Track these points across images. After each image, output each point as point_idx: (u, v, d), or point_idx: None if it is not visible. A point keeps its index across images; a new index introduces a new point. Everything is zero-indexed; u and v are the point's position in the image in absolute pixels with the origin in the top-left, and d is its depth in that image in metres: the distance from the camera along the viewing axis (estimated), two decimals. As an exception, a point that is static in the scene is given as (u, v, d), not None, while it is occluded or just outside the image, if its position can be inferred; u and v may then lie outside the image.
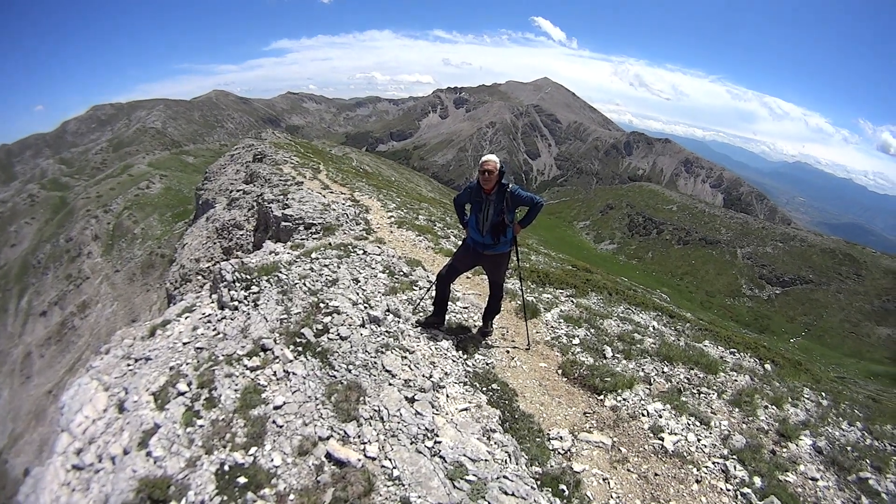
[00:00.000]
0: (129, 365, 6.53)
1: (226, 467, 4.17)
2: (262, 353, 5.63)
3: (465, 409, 5.21)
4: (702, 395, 6.39)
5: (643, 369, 6.86)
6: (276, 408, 4.80)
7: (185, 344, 6.52)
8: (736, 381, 6.92)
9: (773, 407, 6.32)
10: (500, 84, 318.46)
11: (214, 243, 23.08)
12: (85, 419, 5.48)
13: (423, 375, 5.58)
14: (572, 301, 9.46)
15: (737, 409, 6.14)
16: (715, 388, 6.57)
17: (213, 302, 7.75)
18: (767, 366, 8.04)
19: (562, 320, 8.26)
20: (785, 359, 8.74)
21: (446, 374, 5.85)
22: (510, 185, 6.02)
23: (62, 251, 79.61)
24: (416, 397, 5.08)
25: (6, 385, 67.56)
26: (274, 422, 4.62)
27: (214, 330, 6.70)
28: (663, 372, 6.86)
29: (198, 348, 6.21)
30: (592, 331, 7.94)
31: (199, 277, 22.19)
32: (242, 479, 4.01)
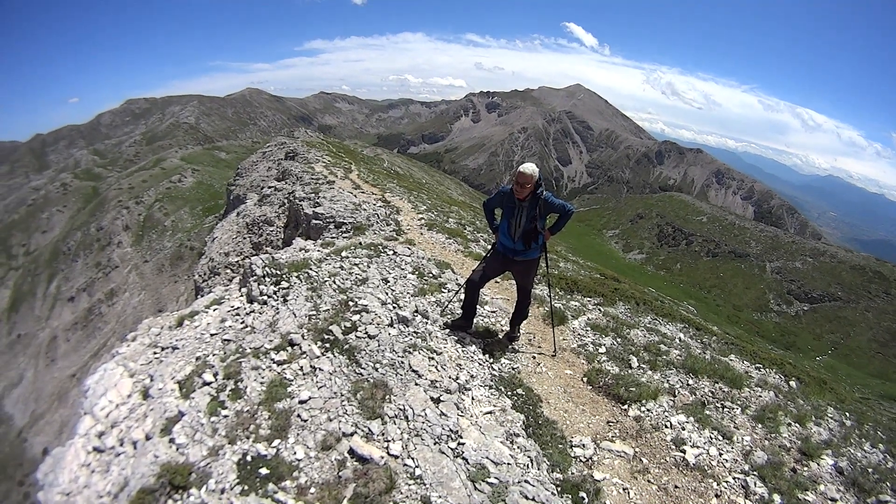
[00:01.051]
0: (155, 353, 6.61)
1: (248, 458, 4.21)
2: (289, 348, 5.67)
3: (490, 413, 5.20)
4: (725, 409, 6.29)
5: (668, 381, 6.77)
6: (301, 402, 4.83)
7: (212, 335, 6.59)
8: (760, 396, 6.80)
9: (797, 425, 6.19)
10: (532, 89, 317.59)
11: (244, 238, 23.29)
12: (108, 403, 5.57)
13: (450, 377, 5.58)
14: (600, 309, 9.37)
15: (760, 425, 6.03)
16: (739, 402, 6.46)
17: (241, 295, 7.82)
18: (792, 383, 7.89)
19: (589, 328, 8.18)
20: (810, 377, 8.56)
21: (472, 376, 5.85)
22: (543, 193, 5.99)
23: (93, 239, 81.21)
24: (441, 398, 5.09)
25: (31, 366, 69.22)
26: (298, 416, 4.65)
27: (242, 323, 6.76)
28: (688, 384, 6.76)
29: (225, 340, 6.27)
30: (619, 340, 7.86)
31: (228, 271, 22.39)
32: (264, 470, 4.05)
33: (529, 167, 5.93)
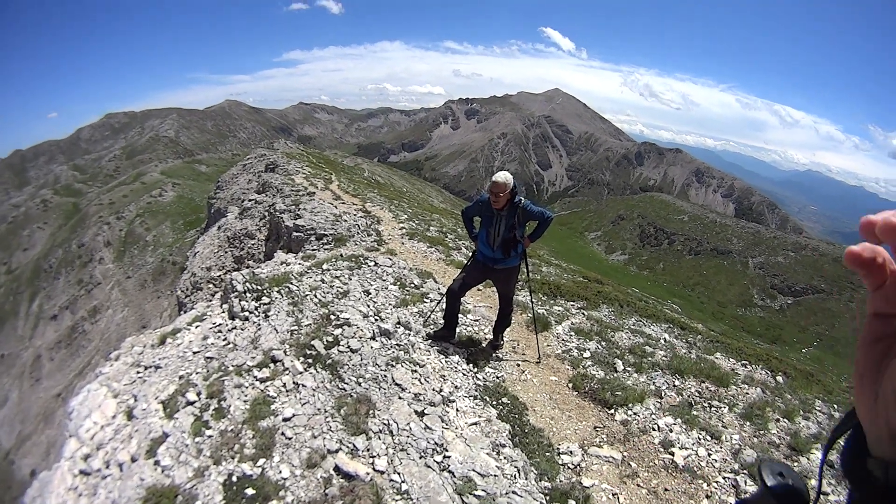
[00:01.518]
0: (138, 372, 6.55)
1: (234, 478, 4.17)
2: (272, 365, 5.63)
3: (475, 424, 5.18)
4: (713, 408, 6.28)
5: (654, 383, 6.77)
6: (285, 420, 4.79)
7: (194, 353, 6.53)
8: (747, 393, 6.80)
9: (785, 420, 6.19)
10: (511, 95, 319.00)
11: (226, 252, 23.11)
12: (93, 425, 5.51)
13: (434, 389, 5.56)
14: (583, 313, 9.37)
15: (748, 423, 6.03)
16: (726, 401, 6.46)
17: (223, 312, 7.76)
18: (779, 378, 7.90)
19: (573, 333, 8.18)
20: (797, 370, 8.59)
21: (456, 387, 5.83)
22: (522, 201, 5.99)
23: (74, 256, 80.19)
24: (425, 411, 5.06)
25: (15, 387, 68.11)
26: (283, 433, 4.62)
27: (225, 340, 6.71)
28: (674, 385, 6.76)
29: (207, 358, 6.22)
30: (603, 344, 7.87)
31: (210, 286, 22.22)
32: (250, 491, 4.01)
33: (502, 176, 5.92)
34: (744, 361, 8.37)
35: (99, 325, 66.23)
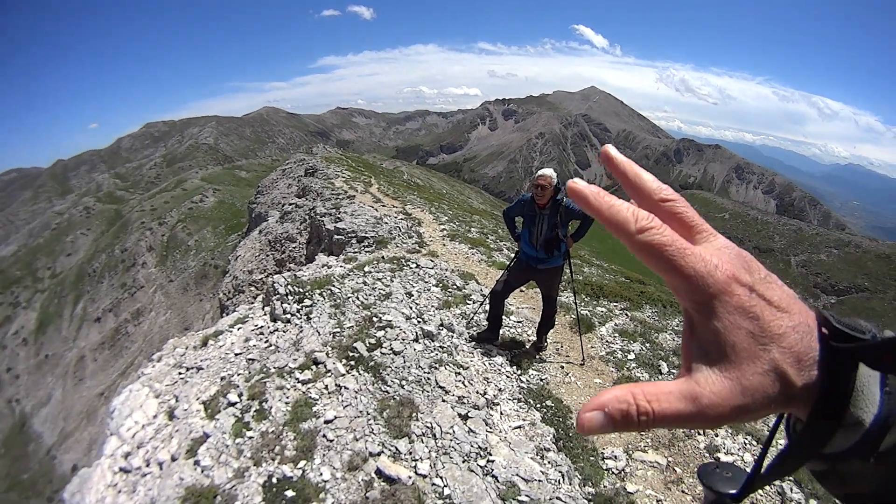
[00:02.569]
0: (180, 374, 6.63)
1: (274, 480, 4.17)
2: (314, 367, 5.63)
3: (519, 427, 5.10)
4: None
5: None
6: (326, 422, 4.78)
7: (236, 355, 6.58)
8: None
9: None
10: (547, 94, 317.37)
11: (267, 255, 23.35)
12: (135, 424, 5.58)
13: (477, 392, 5.49)
14: (627, 314, 9.20)
15: None
16: None
17: (265, 314, 7.82)
18: None
19: (616, 334, 8.03)
20: None
21: (500, 390, 5.75)
22: (564, 199, 5.90)
23: (117, 261, 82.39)
24: (469, 414, 5.00)
25: (59, 386, 70.39)
26: (324, 436, 4.60)
27: (266, 342, 6.74)
28: None
29: (249, 360, 6.26)
30: (648, 345, 7.70)
31: (252, 289, 22.47)
32: (290, 493, 4.00)
33: (548, 170, 5.88)
34: None
35: (142, 328, 67.95)
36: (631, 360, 7.16)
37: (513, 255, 6.80)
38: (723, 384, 0.48)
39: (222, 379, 5.95)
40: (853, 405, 0.49)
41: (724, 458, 5.22)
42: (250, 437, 4.77)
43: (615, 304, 9.86)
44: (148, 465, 4.89)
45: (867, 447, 0.50)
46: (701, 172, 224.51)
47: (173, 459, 4.81)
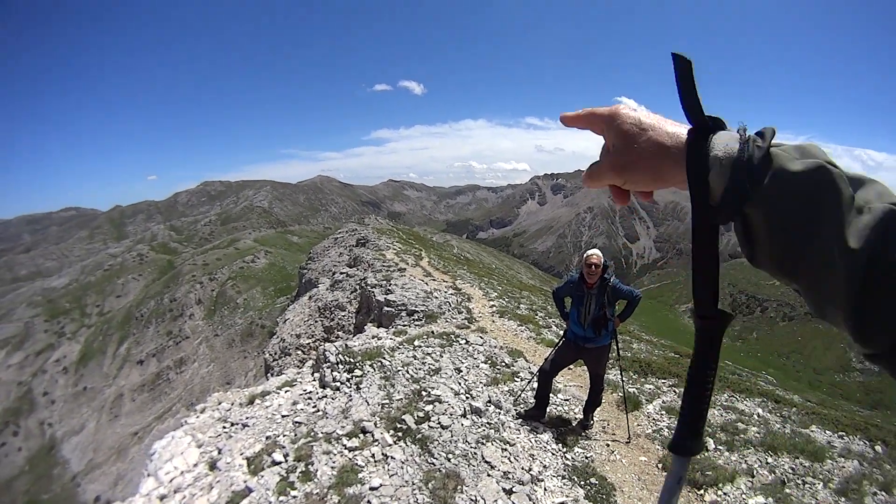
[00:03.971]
0: (224, 427, 6.75)
1: (317, 541, 4.19)
2: (361, 435, 5.71)
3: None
4: (806, 485, 5.99)
5: (746, 461, 6.49)
6: (372, 489, 4.81)
7: (283, 416, 6.70)
8: (843, 467, 6.46)
9: (883, 493, 5.84)
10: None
11: (316, 321, 23.57)
12: (174, 469, 5.70)
13: (522, 468, 5.48)
14: (675, 391, 9.05)
15: (843, 499, 5.71)
16: (821, 476, 6.16)
17: (314, 380, 7.97)
18: (878, 447, 7.37)
19: (664, 412, 7.93)
20: None
21: (545, 466, 5.72)
22: (611, 279, 6.03)
23: (166, 309, 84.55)
24: (513, 489, 4.99)
25: (93, 418, 71.59)
26: (369, 502, 4.65)
27: (314, 407, 6.87)
28: (767, 463, 6.48)
29: (296, 422, 6.37)
30: (695, 423, 7.53)
31: (299, 352, 22.62)
32: (333, 556, 4.01)
33: (596, 252, 6.04)
34: (840, 433, 7.91)
35: (184, 376, 69.06)
36: (677, 438, 7.01)
37: (561, 334, 6.84)
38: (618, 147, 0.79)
39: (267, 438, 6.06)
40: (713, 148, 0.69)
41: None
42: (294, 497, 4.83)
43: (663, 380, 9.74)
44: (184, 511, 4.98)
45: (740, 186, 0.66)
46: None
47: (211, 509, 4.89)
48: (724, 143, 0.68)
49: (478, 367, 8.60)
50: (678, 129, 0.74)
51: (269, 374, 20.34)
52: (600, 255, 6.02)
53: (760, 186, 0.64)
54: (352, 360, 7.87)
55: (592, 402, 7.00)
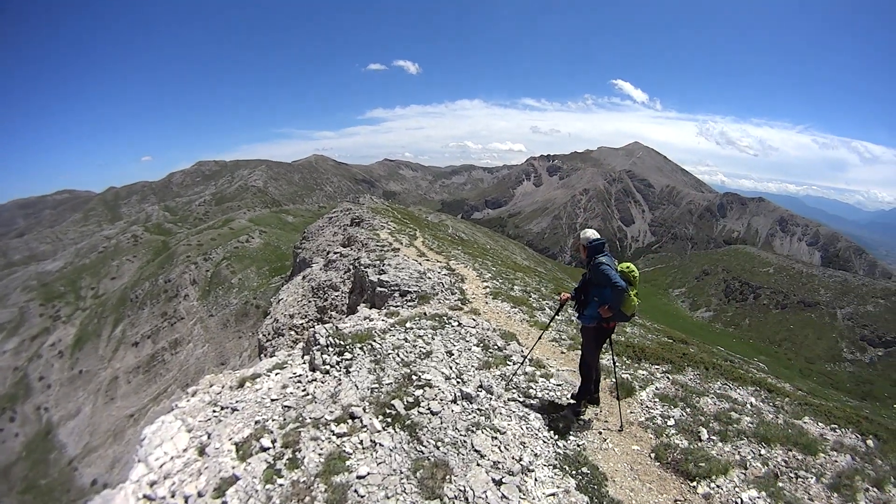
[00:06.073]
0: (214, 411, 6.69)
1: (301, 530, 4.13)
2: (350, 421, 5.66)
3: (553, 495, 5.01)
4: (799, 479, 5.97)
5: (739, 452, 6.46)
6: (359, 477, 4.77)
7: (273, 400, 6.63)
8: (836, 461, 6.43)
9: (875, 489, 5.80)
10: (591, 150, 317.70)
11: (309, 301, 23.55)
12: (164, 455, 5.64)
13: (513, 458, 5.44)
14: (668, 378, 9.02)
15: (835, 494, 5.69)
16: (814, 470, 6.14)
17: (304, 363, 7.90)
18: (869, 441, 7.33)
19: (657, 399, 7.88)
20: (889, 431, 7.92)
21: (536, 455, 5.69)
22: (596, 259, 6.06)
23: (160, 290, 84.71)
24: (503, 480, 4.94)
25: (89, 402, 72.10)
26: (356, 491, 4.58)
27: (304, 391, 6.81)
28: (760, 455, 6.44)
29: (285, 406, 6.29)
30: (688, 410, 7.50)
31: (292, 332, 22.60)
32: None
33: (584, 232, 6.22)
34: (833, 425, 7.87)
35: (178, 357, 69.41)
36: (670, 426, 7.00)
37: (553, 314, 6.83)
38: None
39: (257, 423, 5.99)
40: None
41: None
42: (281, 485, 4.79)
43: (657, 366, 9.68)
44: (173, 497, 4.93)
45: None
46: (745, 226, 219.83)
47: (200, 496, 4.84)
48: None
49: (470, 350, 8.56)
50: None
51: (262, 355, 20.34)
52: (586, 234, 6.18)
53: None
54: (342, 342, 7.81)
55: (582, 391, 7.06)
